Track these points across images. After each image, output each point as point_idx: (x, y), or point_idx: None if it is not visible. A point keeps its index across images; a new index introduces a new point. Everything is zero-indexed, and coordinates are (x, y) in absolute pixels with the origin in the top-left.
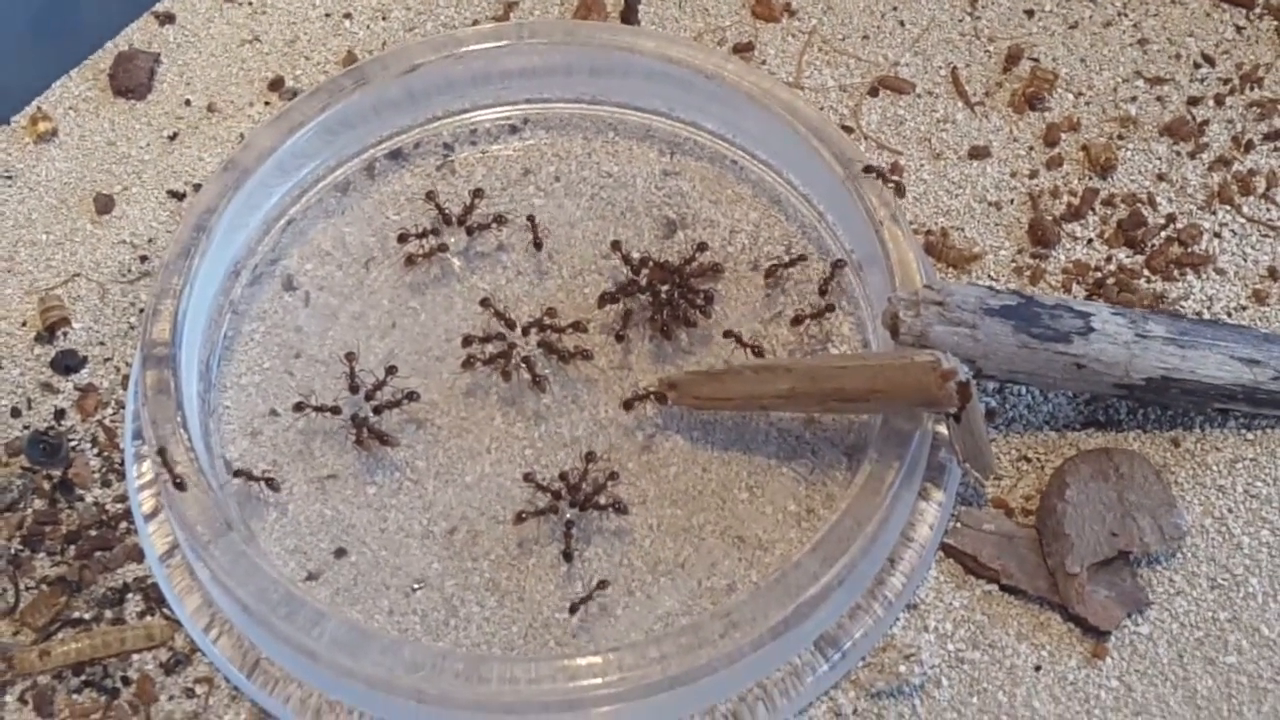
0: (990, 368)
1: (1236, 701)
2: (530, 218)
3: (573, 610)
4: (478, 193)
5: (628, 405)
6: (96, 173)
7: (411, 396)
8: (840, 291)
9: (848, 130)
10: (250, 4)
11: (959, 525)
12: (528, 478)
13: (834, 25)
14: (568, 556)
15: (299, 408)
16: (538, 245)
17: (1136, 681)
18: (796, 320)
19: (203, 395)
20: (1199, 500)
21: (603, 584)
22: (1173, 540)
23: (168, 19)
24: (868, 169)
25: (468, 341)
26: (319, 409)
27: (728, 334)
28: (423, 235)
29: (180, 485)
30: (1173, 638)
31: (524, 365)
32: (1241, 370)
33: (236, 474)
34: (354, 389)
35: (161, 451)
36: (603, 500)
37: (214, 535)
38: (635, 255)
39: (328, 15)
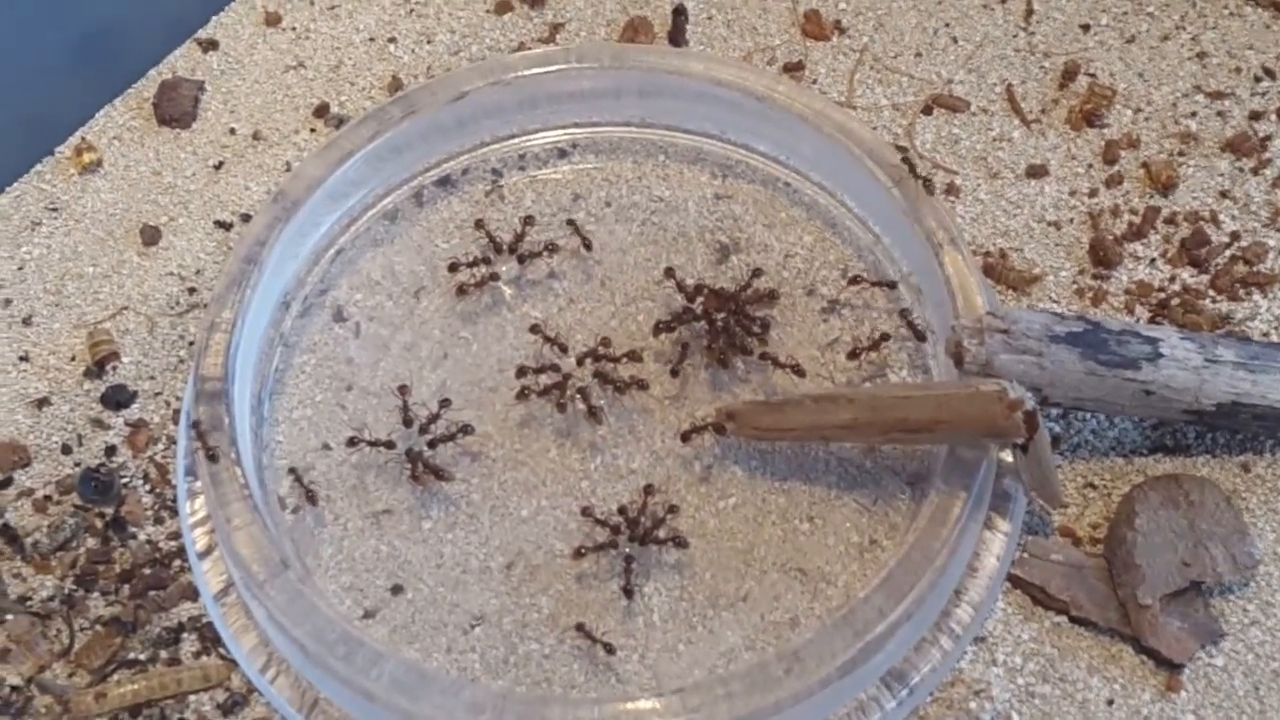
0: (1056, 395)
1: None
2: (570, 221)
3: (579, 629)
4: (528, 220)
5: (685, 437)
6: (142, 204)
7: (466, 430)
8: (899, 316)
9: (902, 150)
10: (294, 29)
11: (1026, 555)
12: (586, 512)
13: (885, 43)
14: (628, 593)
15: (352, 442)
16: (587, 246)
17: (1212, 715)
18: (853, 354)
19: (255, 430)
20: (1271, 527)
21: (610, 648)
22: (1246, 569)
23: (211, 46)
24: (904, 158)
25: (522, 372)
26: (373, 444)
27: (764, 356)
28: (474, 264)
29: (213, 457)
30: (1248, 669)
31: (579, 396)
32: None
33: (290, 471)
34: (407, 422)
35: (196, 425)
36: (662, 534)
37: (269, 574)
38: (689, 282)
39: (372, 40)
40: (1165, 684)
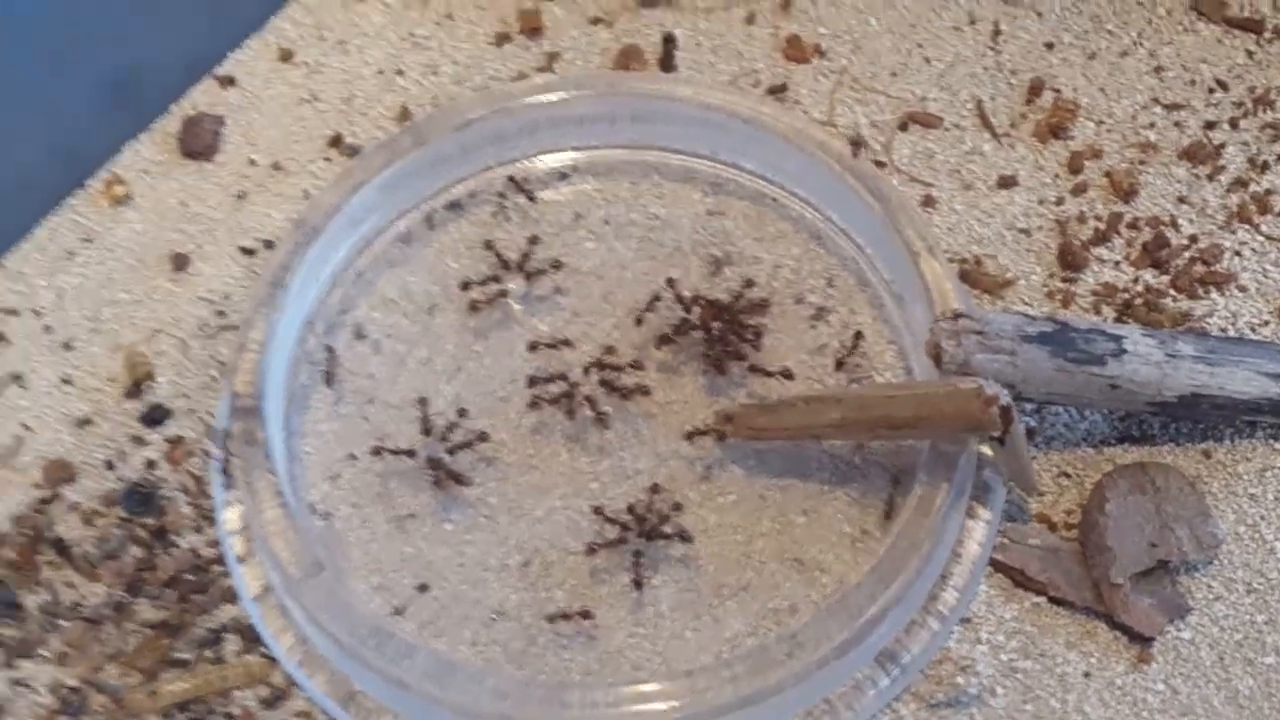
0: (1029, 391)
1: (1277, 700)
2: (511, 178)
3: (550, 620)
4: (534, 239)
5: (689, 437)
6: (170, 233)
7: (483, 437)
8: (882, 321)
9: (880, 165)
10: (307, 65)
11: (1006, 541)
12: (597, 510)
13: (863, 64)
14: (638, 584)
15: (376, 452)
16: (530, 198)
17: (1181, 684)
18: (839, 365)
19: (285, 443)
20: (1232, 509)
21: (586, 614)
22: (1209, 548)
23: (229, 82)
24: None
25: (533, 382)
26: (395, 452)
27: (753, 369)
28: (484, 282)
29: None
30: (1213, 641)
31: (587, 403)
32: (1268, 384)
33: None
34: (427, 432)
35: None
36: (668, 530)
37: (305, 574)
38: (685, 294)
39: (380, 72)
40: (1137, 657)
